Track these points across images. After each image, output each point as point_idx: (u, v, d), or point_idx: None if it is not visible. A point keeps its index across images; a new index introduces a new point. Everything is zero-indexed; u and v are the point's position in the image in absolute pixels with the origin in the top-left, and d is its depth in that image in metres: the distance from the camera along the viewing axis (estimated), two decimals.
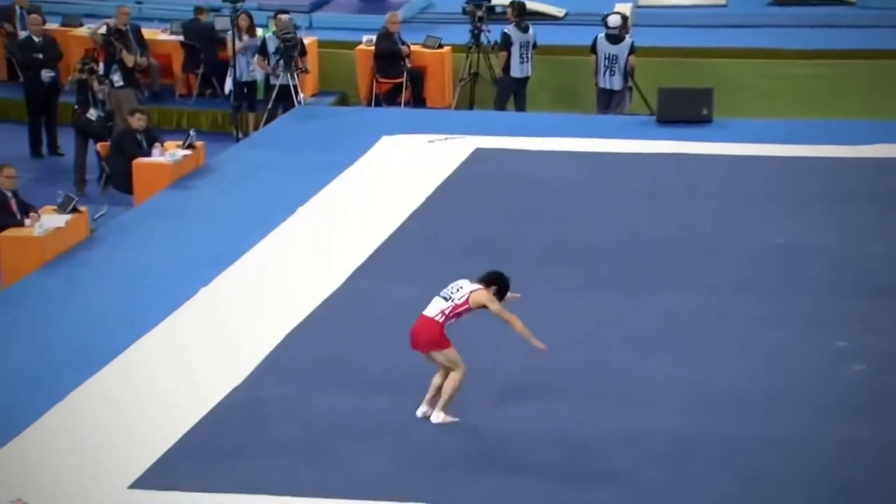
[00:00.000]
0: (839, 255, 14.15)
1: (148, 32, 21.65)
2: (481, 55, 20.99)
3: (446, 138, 18.14)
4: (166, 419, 10.80)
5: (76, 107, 18.41)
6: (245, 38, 20.43)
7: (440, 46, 21.86)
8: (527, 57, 20.53)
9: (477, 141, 18.00)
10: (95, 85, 18.26)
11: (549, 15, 23.25)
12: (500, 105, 20.80)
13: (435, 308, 10.60)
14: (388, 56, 21.25)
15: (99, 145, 17.68)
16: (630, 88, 20.18)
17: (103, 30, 20.00)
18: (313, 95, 21.69)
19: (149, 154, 16.91)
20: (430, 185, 16.36)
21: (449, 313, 10.56)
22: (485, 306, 10.59)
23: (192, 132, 17.76)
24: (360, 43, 21.89)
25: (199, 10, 21.86)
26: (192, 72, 21.92)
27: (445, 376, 10.71)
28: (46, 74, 19.60)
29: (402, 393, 11.08)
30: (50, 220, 14.46)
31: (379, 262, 14.13)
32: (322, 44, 22.22)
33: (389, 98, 21.54)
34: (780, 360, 11.85)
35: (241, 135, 19.84)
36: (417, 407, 10.85)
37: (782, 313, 12.76)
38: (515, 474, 10.05)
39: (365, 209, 15.66)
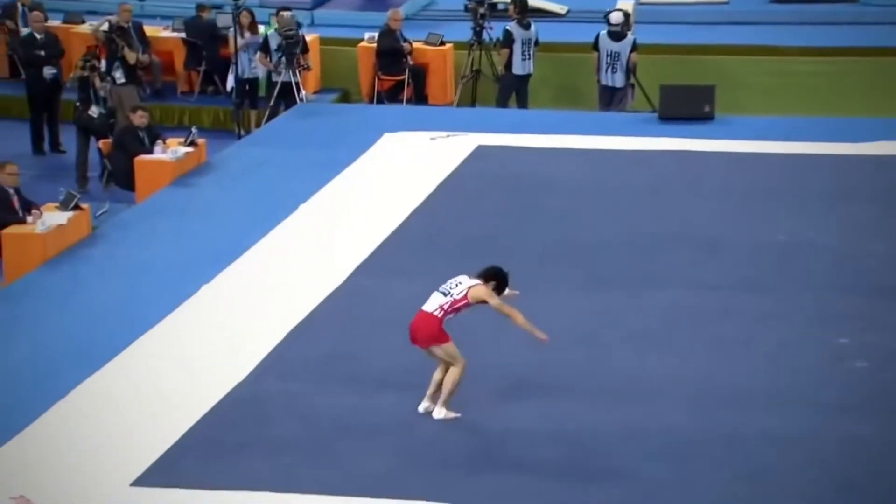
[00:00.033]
0: (840, 253, 14.15)
1: (150, 29, 21.66)
2: (483, 52, 20.99)
3: (448, 135, 18.15)
4: (168, 416, 10.81)
5: (78, 104, 18.42)
6: (247, 35, 20.43)
7: (442, 43, 21.87)
8: (529, 54, 20.53)
9: (479, 138, 18.00)
10: (97, 82, 18.28)
11: (551, 12, 23.27)
12: (502, 102, 20.81)
13: (434, 303, 10.61)
14: (390, 53, 21.26)
15: (101, 142, 17.70)
16: (632, 85, 20.19)
17: (105, 27, 20.01)
18: (315, 92, 21.69)
19: (151, 151, 16.92)
20: (431, 182, 16.36)
21: (448, 308, 10.57)
22: (484, 301, 10.60)
23: (193, 129, 17.77)
24: (362, 40, 21.90)
25: (200, 7, 21.87)
26: (193, 69, 21.93)
27: (446, 371, 10.73)
28: (48, 71, 19.61)
29: (404, 390, 11.09)
30: (52, 218, 14.48)
31: (381, 259, 14.13)
32: (324, 41, 22.22)
33: (391, 95, 21.55)
34: (780, 357, 11.85)
35: (242, 132, 19.86)
36: (419, 403, 10.86)
37: (783, 311, 12.76)
38: (516, 472, 10.06)
39: (367, 206, 15.66)
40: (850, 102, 20.58)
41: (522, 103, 20.79)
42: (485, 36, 20.96)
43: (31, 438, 10.54)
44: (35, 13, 20.44)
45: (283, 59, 19.80)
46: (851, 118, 19.20)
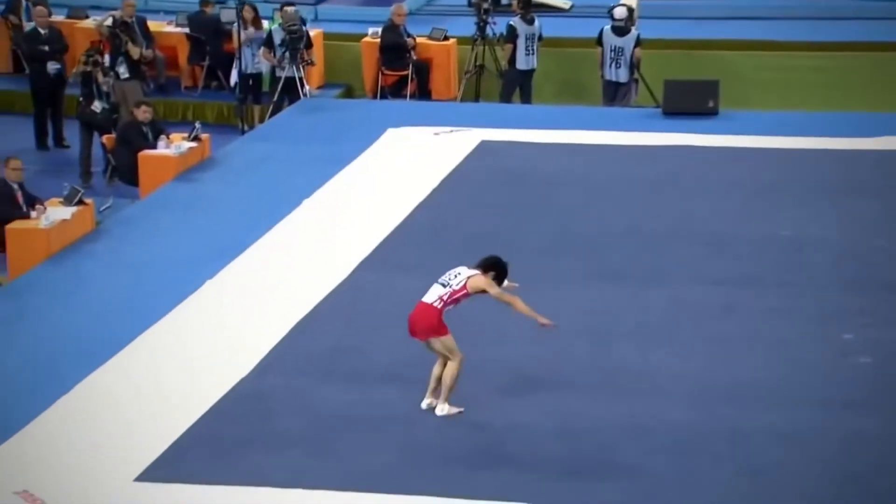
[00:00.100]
0: (845, 248, 14.14)
1: (153, 24, 21.62)
2: (487, 47, 20.96)
3: (452, 131, 18.13)
4: (171, 412, 10.81)
5: (81, 99, 18.41)
6: (250, 30, 20.42)
7: (446, 39, 21.84)
8: (532, 49, 20.51)
9: (482, 133, 17.99)
10: (100, 77, 18.27)
11: (554, 7, 23.24)
12: (505, 97, 20.79)
13: (433, 294, 10.60)
14: (394, 48, 21.24)
15: (104, 138, 17.69)
16: (636, 80, 20.16)
17: (109, 22, 19.98)
18: (319, 88, 21.67)
19: (154, 146, 16.91)
20: (435, 177, 16.35)
21: (447, 299, 10.56)
22: (484, 291, 10.59)
23: (197, 124, 17.76)
24: (365, 35, 21.88)
25: (204, 2, 21.83)
26: (197, 64, 21.91)
27: (444, 365, 10.72)
28: (52, 66, 19.61)
29: (407, 385, 11.09)
30: (56, 213, 14.47)
31: (384, 254, 14.13)
32: (328, 36, 22.18)
33: (395, 90, 21.52)
34: (784, 352, 11.84)
35: (246, 127, 19.84)
36: (422, 399, 10.85)
37: (787, 306, 12.75)
38: (519, 467, 10.05)
39: (370, 201, 15.66)
40: (854, 97, 20.54)
41: (526, 98, 20.78)
42: (488, 31, 20.93)
43: (34, 434, 10.54)
44: (39, 8, 20.42)
45: (287, 54, 19.78)
46: (856, 113, 19.18)
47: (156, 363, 11.72)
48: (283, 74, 19.87)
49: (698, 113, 18.59)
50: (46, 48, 19.69)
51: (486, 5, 20.89)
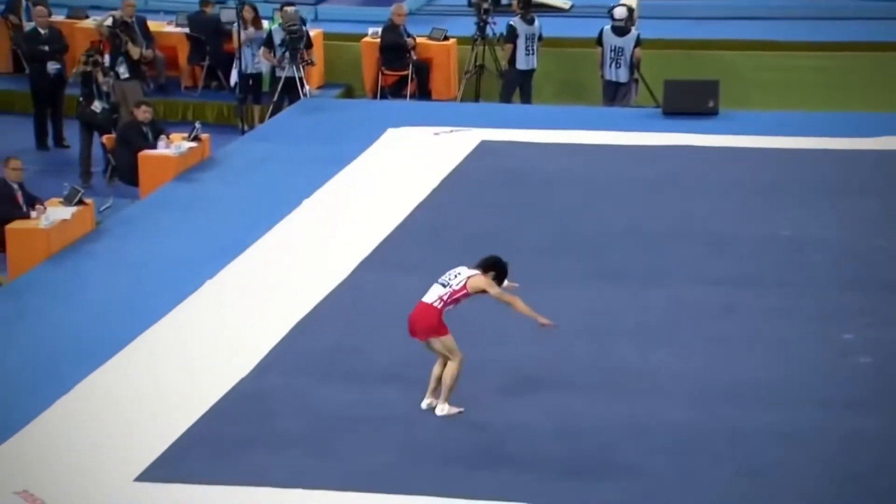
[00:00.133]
0: (845, 248, 14.14)
1: (153, 24, 21.63)
2: (487, 47, 20.97)
3: (452, 131, 18.13)
4: (171, 412, 10.81)
5: (81, 99, 18.41)
6: (250, 30, 20.42)
7: (446, 39, 21.84)
8: (532, 49, 20.52)
9: (482, 133, 17.99)
10: (100, 77, 18.27)
11: (554, 7, 23.24)
12: (505, 97, 20.79)
13: (433, 294, 10.60)
14: (394, 48, 21.24)
15: (104, 138, 17.69)
16: (636, 80, 20.16)
17: (109, 22, 19.99)
18: (319, 88, 21.67)
19: (154, 146, 16.91)
20: (435, 177, 16.35)
21: (447, 299, 10.55)
22: (484, 291, 10.59)
23: (197, 124, 17.76)
24: (365, 35, 21.88)
25: (204, 2, 21.83)
26: (197, 64, 21.91)
27: (444, 365, 10.72)
28: (52, 66, 19.61)
29: (407, 385, 11.09)
30: (56, 213, 14.47)
31: (384, 254, 14.13)
32: (328, 36, 22.18)
33: (395, 90, 21.52)
34: (785, 352, 11.84)
35: (246, 127, 19.84)
36: (422, 399, 10.85)
37: (787, 306, 12.75)
38: (519, 467, 10.05)
39: (370, 201, 15.66)
40: (854, 97, 20.54)
41: (526, 98, 20.78)
42: (488, 31, 20.93)
43: (34, 434, 10.54)
44: (39, 8, 20.42)
45: (287, 54, 19.78)
46: (856, 113, 19.18)
47: (156, 363, 11.72)
48: (283, 74, 19.87)
49: (698, 113, 18.60)
50: (46, 48, 19.69)
51: (486, 5, 20.89)
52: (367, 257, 13.98)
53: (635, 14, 20.59)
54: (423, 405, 10.85)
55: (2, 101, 21.77)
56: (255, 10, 20.73)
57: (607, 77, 20.06)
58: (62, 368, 11.56)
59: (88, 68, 18.23)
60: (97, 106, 18.19)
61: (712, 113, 18.70)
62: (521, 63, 20.50)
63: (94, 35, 20.86)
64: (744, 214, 15.07)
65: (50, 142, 19.93)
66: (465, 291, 10.59)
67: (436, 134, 18.04)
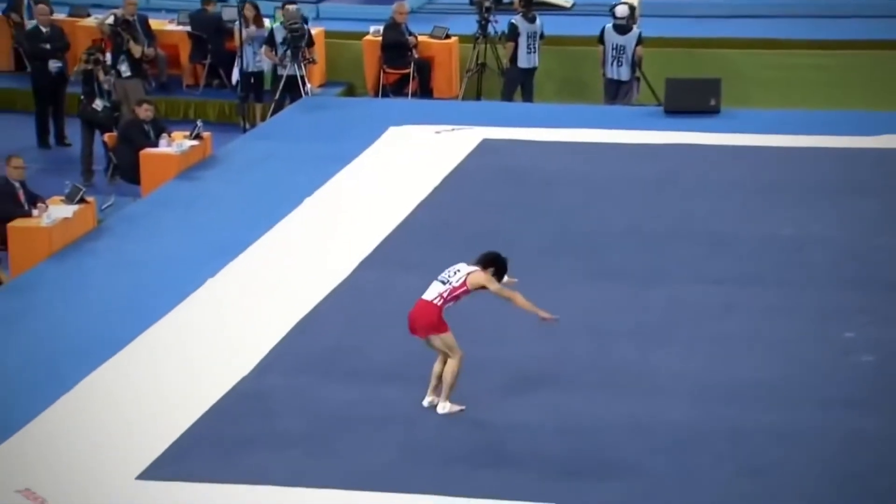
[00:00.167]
0: (846, 247, 14.14)
1: (155, 23, 21.62)
2: (488, 46, 20.97)
3: (453, 129, 18.14)
4: (173, 411, 10.82)
5: (82, 97, 18.42)
6: (252, 28, 20.43)
7: (447, 37, 21.85)
8: (534, 47, 20.51)
9: (484, 132, 18.00)
10: (101, 75, 18.28)
11: (556, 5, 23.25)
12: (507, 96, 20.79)
13: (433, 292, 10.61)
14: (396, 47, 21.25)
15: (106, 136, 17.70)
16: (637, 79, 20.16)
17: (111, 20, 20.00)
18: (320, 86, 21.67)
19: (156, 145, 16.93)
20: (437, 175, 16.36)
21: (447, 296, 10.56)
22: (483, 287, 10.59)
23: (199, 123, 17.77)
24: (367, 33, 21.89)
25: (206, 0, 21.85)
26: (199, 62, 21.93)
27: (444, 363, 10.72)
28: (54, 65, 19.63)
29: (408, 384, 11.09)
30: (57, 211, 14.49)
31: (386, 252, 14.13)
32: (329, 34, 22.21)
33: (396, 89, 21.53)
34: (785, 351, 11.84)
35: (248, 125, 19.85)
36: (423, 397, 10.86)
37: (789, 305, 12.75)
38: (520, 466, 10.06)
39: (372, 200, 15.66)
40: (856, 96, 20.54)
41: (528, 97, 20.78)
42: (490, 29, 20.94)
43: (36, 432, 10.55)
44: (40, 6, 20.43)
45: (289, 52, 19.79)
46: (858, 111, 19.17)
47: (157, 362, 11.73)
48: (284, 73, 19.88)
49: (700, 111, 18.60)
50: (48, 46, 19.71)
51: (487, 3, 20.89)
52: (368, 256, 13.99)
53: (637, 12, 20.58)
54: (425, 403, 10.86)
55: (3, 100, 21.79)
56: (256, 8, 20.73)
57: (609, 75, 20.06)
58: (63, 367, 11.57)
59: (89, 66, 18.24)
60: (98, 104, 18.20)
61: (714, 111, 18.70)
62: (523, 61, 20.50)
63: (95, 33, 20.87)
64: (744, 213, 15.07)
65: (51, 140, 19.95)
66: (464, 288, 10.59)
67: (437, 132, 18.04)
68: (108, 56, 19.24)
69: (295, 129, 18.46)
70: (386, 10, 21.74)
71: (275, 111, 19.82)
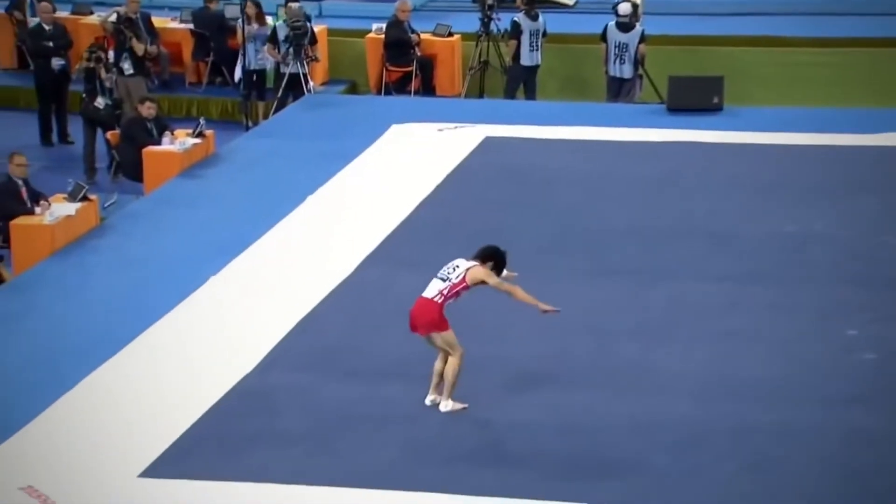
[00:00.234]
0: (849, 244, 14.13)
1: (158, 21, 21.66)
2: (491, 43, 20.97)
3: (456, 127, 18.14)
4: (175, 409, 10.83)
5: (84, 95, 18.44)
6: (254, 26, 20.44)
7: (450, 35, 21.86)
8: (537, 45, 20.52)
9: (487, 129, 18.00)
10: (103, 73, 18.29)
11: (559, 3, 23.27)
12: (509, 93, 20.79)
13: (433, 289, 10.60)
14: (398, 44, 21.25)
15: (109, 134, 17.71)
16: (640, 77, 20.17)
17: (113, 18, 20.03)
18: (323, 84, 21.70)
19: (158, 142, 16.94)
20: (439, 173, 16.36)
21: (447, 293, 10.55)
22: (483, 282, 10.58)
23: (201, 120, 17.79)
24: (369, 31, 21.90)
25: None
26: (201, 60, 21.94)
27: (445, 361, 10.72)
28: (56, 62, 19.64)
29: (410, 382, 11.10)
30: (60, 209, 14.50)
31: (388, 250, 14.14)
32: (332, 32, 22.23)
33: (399, 86, 21.53)
34: (788, 349, 11.84)
35: (250, 123, 19.86)
36: (426, 396, 10.87)
37: (791, 302, 12.75)
38: (521, 464, 10.06)
39: (374, 198, 15.67)
40: (859, 93, 20.54)
41: (530, 94, 20.78)
42: (493, 27, 20.94)
43: (39, 429, 10.57)
44: (43, 4, 20.44)
45: (291, 50, 19.81)
46: (861, 109, 19.16)
47: (159, 361, 11.73)
48: (287, 70, 19.91)
49: (703, 109, 18.60)
50: (51, 44, 19.72)
51: (490, 1, 20.89)
52: (371, 254, 13.99)
53: (640, 10, 20.59)
54: (427, 401, 10.86)
55: (6, 97, 21.81)
56: (258, 6, 20.74)
57: (611, 73, 20.06)
58: (65, 364, 11.58)
59: (91, 64, 18.25)
60: (100, 102, 18.22)
61: (717, 109, 18.69)
62: (526, 59, 20.51)
63: (98, 31, 20.92)
64: (747, 211, 15.06)
65: (54, 138, 19.97)
66: (464, 284, 10.58)
67: (440, 130, 18.04)
68: (111, 54, 19.27)
69: (297, 127, 18.46)
70: (389, 8, 21.75)
71: (277, 109, 19.83)
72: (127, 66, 19.13)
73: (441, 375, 10.79)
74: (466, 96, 21.17)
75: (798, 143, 17.37)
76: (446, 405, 10.76)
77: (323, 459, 10.14)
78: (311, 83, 20.12)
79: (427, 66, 21.56)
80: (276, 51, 20.06)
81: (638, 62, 19.98)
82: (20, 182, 14.73)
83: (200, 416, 10.74)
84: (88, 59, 18.31)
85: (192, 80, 22.08)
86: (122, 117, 18.19)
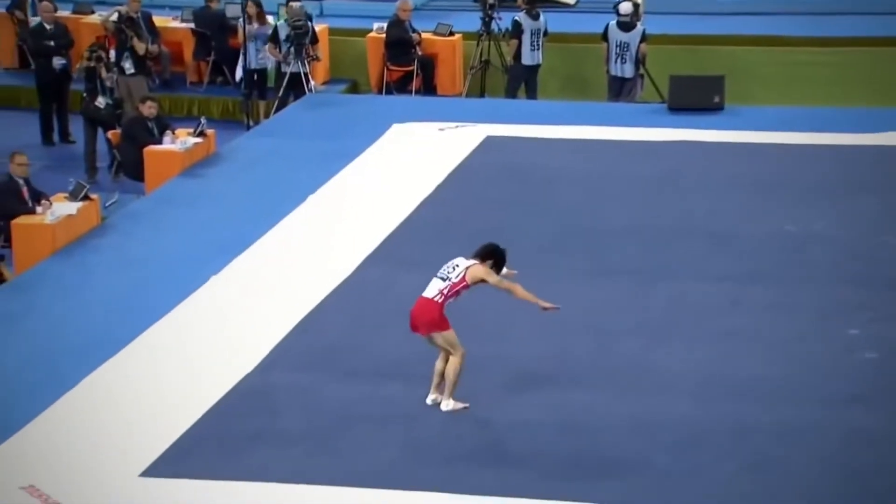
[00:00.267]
0: (849, 244, 14.14)
1: (159, 20, 21.67)
2: (492, 43, 20.97)
3: (457, 126, 18.15)
4: (176, 408, 10.84)
5: (84, 95, 18.45)
6: (255, 25, 20.44)
7: (451, 34, 21.86)
8: (538, 44, 20.52)
9: (488, 129, 18.00)
10: (104, 72, 18.30)
11: (560, 2, 23.25)
12: (510, 93, 20.79)
13: (433, 289, 10.61)
14: (399, 44, 21.25)
15: (110, 133, 17.73)
16: (641, 76, 20.17)
17: (114, 17, 20.04)
18: (324, 83, 21.70)
19: (160, 142, 16.95)
20: (440, 172, 16.36)
21: (448, 293, 10.55)
22: (483, 280, 10.58)
23: (202, 120, 17.80)
24: (370, 30, 21.90)
25: None
26: (202, 59, 21.95)
27: (446, 360, 10.73)
28: (58, 62, 19.65)
29: (412, 381, 11.10)
30: (61, 208, 14.51)
31: (389, 250, 14.14)
32: (333, 31, 22.24)
33: (400, 86, 21.54)
34: (789, 348, 11.85)
35: (251, 122, 19.87)
36: (427, 395, 10.87)
37: (792, 302, 12.75)
38: (522, 463, 10.07)
39: (375, 197, 15.67)
40: (859, 93, 20.54)
41: (531, 94, 20.79)
42: (494, 26, 20.94)
43: (41, 428, 10.57)
44: (44, 3, 20.45)
45: (292, 49, 19.81)
46: (862, 108, 19.16)
47: (161, 359, 11.74)
48: (288, 70, 19.91)
49: (704, 108, 18.60)
50: (52, 43, 19.73)
51: (491, 1, 20.89)
52: (372, 253, 14.00)
53: (641, 9, 20.59)
54: (428, 401, 10.87)
55: (7, 97, 21.83)
56: (259, 5, 20.75)
57: (613, 72, 20.06)
58: (67, 364, 11.58)
59: (92, 64, 18.26)
60: (101, 101, 18.23)
61: (718, 108, 18.69)
62: (527, 58, 20.51)
63: (99, 30, 20.92)
64: (748, 210, 15.06)
65: (55, 137, 19.98)
66: (464, 283, 10.58)
67: (441, 129, 18.05)
68: (112, 53, 19.27)
69: (298, 127, 18.47)
70: (390, 7, 21.75)
71: (278, 108, 19.83)
72: (128, 66, 19.14)
73: (442, 375, 10.79)
74: (467, 96, 21.17)
75: (798, 143, 17.37)
76: (448, 404, 10.77)
77: (323, 459, 10.15)
78: (312, 82, 20.12)
79: (428, 66, 21.56)
80: (278, 50, 20.07)
81: (639, 61, 19.98)
82: (21, 181, 14.74)
83: (201, 416, 10.75)
84: (89, 59, 18.32)
85: (193, 80, 22.08)
86: (123, 117, 18.21)
